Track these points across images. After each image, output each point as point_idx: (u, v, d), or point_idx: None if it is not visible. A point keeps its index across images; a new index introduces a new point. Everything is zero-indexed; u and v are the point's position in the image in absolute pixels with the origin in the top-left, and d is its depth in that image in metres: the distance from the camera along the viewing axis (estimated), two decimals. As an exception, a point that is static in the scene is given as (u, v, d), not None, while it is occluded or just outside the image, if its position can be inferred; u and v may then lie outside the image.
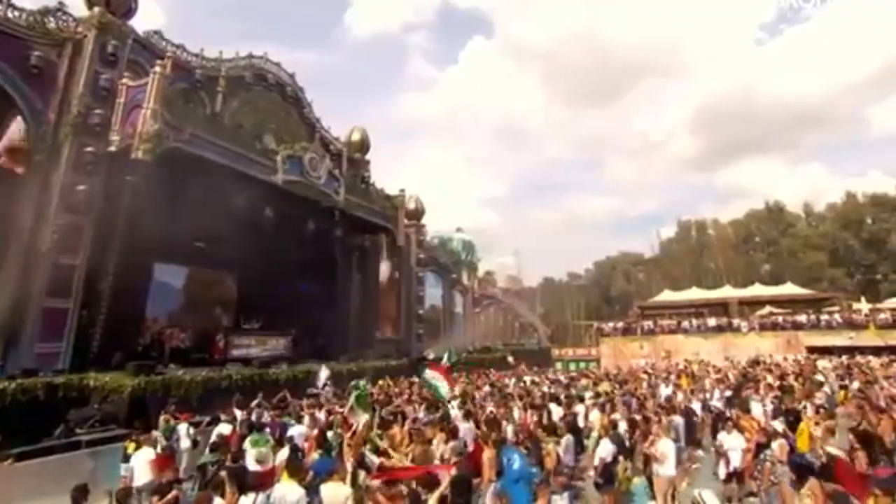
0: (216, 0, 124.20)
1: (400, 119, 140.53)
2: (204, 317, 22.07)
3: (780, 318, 30.93)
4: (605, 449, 7.22)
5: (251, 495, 5.65)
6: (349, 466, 6.47)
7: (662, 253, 63.85)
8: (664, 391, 12.57)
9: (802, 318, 30.31)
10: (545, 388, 14.03)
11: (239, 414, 10.80)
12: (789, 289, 35.07)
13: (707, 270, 54.68)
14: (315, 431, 9.03)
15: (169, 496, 6.03)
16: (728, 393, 11.33)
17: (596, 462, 7.35)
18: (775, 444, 6.67)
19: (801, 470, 5.04)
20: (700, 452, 9.30)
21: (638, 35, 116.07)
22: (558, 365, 36.28)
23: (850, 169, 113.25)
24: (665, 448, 6.85)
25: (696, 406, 10.36)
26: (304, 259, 22.55)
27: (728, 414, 9.23)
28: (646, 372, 18.12)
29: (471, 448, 7.95)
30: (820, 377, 12.23)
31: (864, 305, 30.45)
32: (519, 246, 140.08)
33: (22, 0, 14.18)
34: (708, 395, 11.36)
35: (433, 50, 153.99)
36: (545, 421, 9.65)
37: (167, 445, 9.02)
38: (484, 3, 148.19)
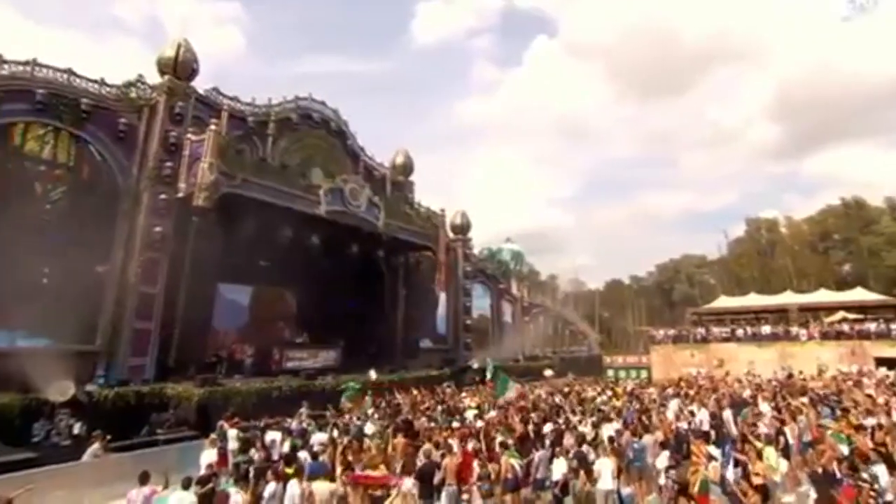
0: (288, 17, 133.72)
1: (466, 122, 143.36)
2: (268, 331, 24.78)
3: (845, 327, 29.11)
4: (562, 466, 8.29)
5: (272, 484, 7.43)
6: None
7: (730, 254, 60.75)
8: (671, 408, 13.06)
9: (871, 326, 28.38)
10: (556, 400, 14.90)
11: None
12: (859, 294, 32.59)
13: (778, 272, 51.53)
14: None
15: (206, 487, 7.86)
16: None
17: (556, 477, 8.41)
18: (710, 466, 7.46)
19: (679, 486, 5.99)
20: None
21: (707, 21, 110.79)
22: (609, 373, 36.21)
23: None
24: (601, 466, 7.83)
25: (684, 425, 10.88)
26: (353, 277, 24.70)
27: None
28: (672, 384, 18.32)
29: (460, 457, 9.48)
30: (798, 402, 12.02)
31: (943, 311, 27.95)
32: (589, 246, 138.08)
33: (111, 73, 17.39)
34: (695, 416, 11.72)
35: (497, 52, 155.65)
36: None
37: (220, 447, 10.99)
38: (546, 3, 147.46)
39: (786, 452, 8.10)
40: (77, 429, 11.46)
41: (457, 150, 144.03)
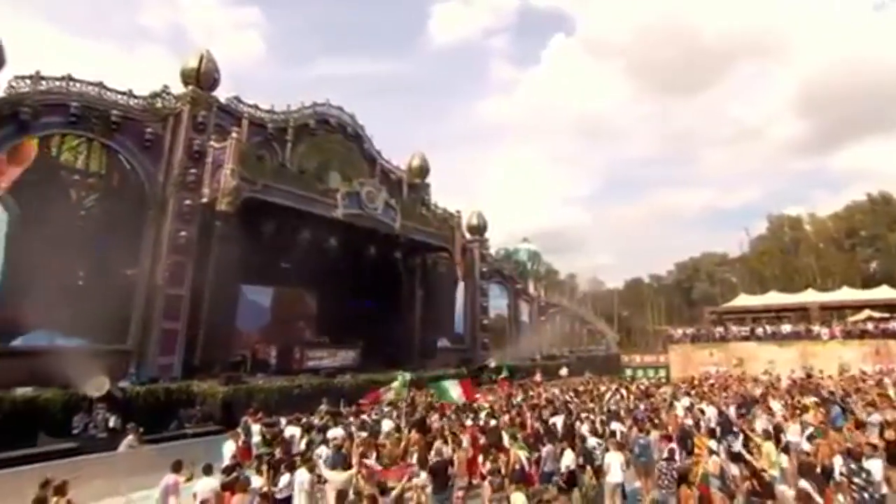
0: (307, 21, 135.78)
1: (484, 122, 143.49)
2: (289, 331, 25.51)
3: (870, 326, 28.53)
4: (568, 458, 8.59)
5: (287, 475, 7.94)
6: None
7: (751, 252, 59.71)
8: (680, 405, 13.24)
9: (896, 324, 27.75)
10: (567, 397, 15.18)
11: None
12: (885, 292, 31.73)
13: (801, 270, 50.51)
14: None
15: (231, 476, 8.41)
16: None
17: (562, 469, 8.72)
18: (711, 460, 7.70)
19: (679, 475, 6.29)
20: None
21: (728, 16, 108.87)
22: (627, 372, 36.10)
23: None
24: (610, 459, 8.13)
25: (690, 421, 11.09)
26: (372, 278, 25.21)
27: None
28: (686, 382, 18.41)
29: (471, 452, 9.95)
30: (808, 400, 11.99)
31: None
32: (608, 245, 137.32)
33: (138, 79, 18.25)
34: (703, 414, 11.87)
35: (515, 52, 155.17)
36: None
37: (245, 441, 11.59)
38: (563, 1, 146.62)
39: (786, 448, 8.28)
40: (112, 422, 12.20)
41: (475, 150, 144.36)
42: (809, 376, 19.25)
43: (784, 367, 25.38)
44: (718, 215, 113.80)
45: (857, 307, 32.63)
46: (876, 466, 6.32)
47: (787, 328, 29.80)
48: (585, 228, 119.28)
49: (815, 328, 29.12)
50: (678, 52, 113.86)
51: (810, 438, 8.06)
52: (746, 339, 30.79)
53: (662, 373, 32.93)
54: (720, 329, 32.77)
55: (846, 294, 33.33)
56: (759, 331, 30.68)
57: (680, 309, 59.33)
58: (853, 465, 6.44)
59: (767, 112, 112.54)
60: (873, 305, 31.47)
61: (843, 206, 55.07)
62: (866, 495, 6.07)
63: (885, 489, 6.25)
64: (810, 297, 33.17)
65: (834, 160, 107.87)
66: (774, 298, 34.84)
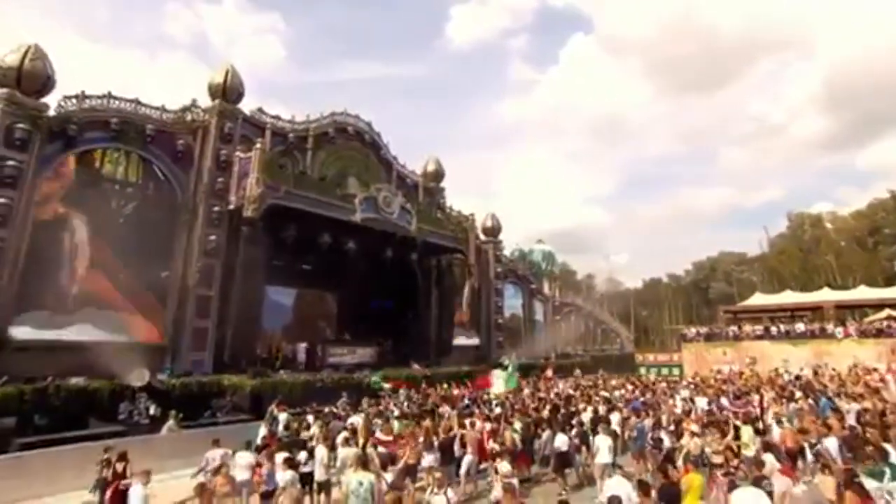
0: (326, 25, 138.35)
1: (503, 123, 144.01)
2: (311, 329, 26.73)
3: (885, 324, 28.46)
4: (560, 441, 9.44)
5: (303, 454, 9.00)
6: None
7: (771, 251, 59.12)
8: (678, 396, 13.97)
9: (914, 323, 27.68)
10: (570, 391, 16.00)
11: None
12: (902, 290, 31.73)
13: (821, 269, 49.94)
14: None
15: (264, 451, 9.50)
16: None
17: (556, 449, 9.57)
18: (692, 441, 8.46)
19: (666, 455, 7.15)
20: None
21: (748, 11, 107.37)
22: (642, 370, 36.48)
23: None
24: (599, 442, 8.96)
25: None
26: (389, 279, 26.24)
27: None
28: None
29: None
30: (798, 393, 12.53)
31: None
32: (627, 244, 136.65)
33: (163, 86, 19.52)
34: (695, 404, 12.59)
35: (533, 52, 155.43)
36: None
37: (271, 428, 12.68)
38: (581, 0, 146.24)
39: (759, 431, 9.01)
40: (153, 410, 13.45)
41: (494, 150, 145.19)
42: (816, 373, 19.57)
43: (797, 366, 25.56)
44: (740, 214, 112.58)
45: (876, 306, 32.46)
46: (831, 444, 7.05)
47: (801, 327, 29.89)
48: (604, 228, 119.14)
49: (830, 327, 29.18)
50: (697, 49, 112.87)
51: (779, 423, 8.77)
52: (760, 337, 30.98)
53: (676, 371, 33.33)
54: (734, 328, 32.98)
55: (863, 293, 33.15)
56: (773, 330, 30.82)
57: (697, 308, 59.10)
58: (817, 445, 7.18)
59: (790, 108, 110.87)
60: (893, 304, 31.29)
61: (867, 203, 54.25)
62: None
63: (839, 463, 6.95)
64: (826, 295, 33.13)
65: (861, 156, 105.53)
66: (790, 297, 34.86)
